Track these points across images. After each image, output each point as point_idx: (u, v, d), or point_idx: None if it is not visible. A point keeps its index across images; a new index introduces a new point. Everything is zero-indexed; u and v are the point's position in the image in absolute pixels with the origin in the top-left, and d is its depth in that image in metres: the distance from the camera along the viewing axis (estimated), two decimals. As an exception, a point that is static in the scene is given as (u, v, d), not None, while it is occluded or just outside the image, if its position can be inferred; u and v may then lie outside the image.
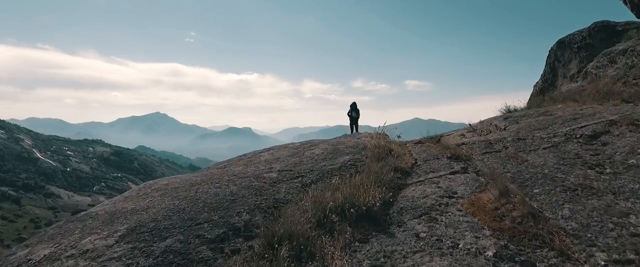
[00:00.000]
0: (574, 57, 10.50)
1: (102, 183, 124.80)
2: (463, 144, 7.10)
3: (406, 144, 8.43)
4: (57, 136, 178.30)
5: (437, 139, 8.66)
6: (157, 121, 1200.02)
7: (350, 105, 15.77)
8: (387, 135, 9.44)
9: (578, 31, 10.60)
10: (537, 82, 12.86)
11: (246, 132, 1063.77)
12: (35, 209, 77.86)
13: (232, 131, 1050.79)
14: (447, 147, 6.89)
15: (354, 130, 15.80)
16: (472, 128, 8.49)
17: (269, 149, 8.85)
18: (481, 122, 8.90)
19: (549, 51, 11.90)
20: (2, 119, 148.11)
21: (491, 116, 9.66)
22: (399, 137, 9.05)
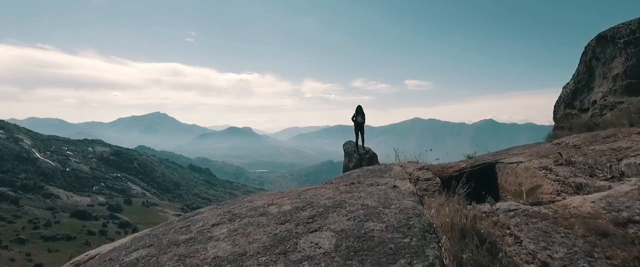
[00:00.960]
0: (618, 54, 9.44)
1: (102, 183, 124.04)
2: (630, 222, 3.13)
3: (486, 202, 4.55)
4: (57, 136, 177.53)
5: (488, 164, 6.14)
6: (157, 121, 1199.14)
7: (356, 109, 14.41)
8: (428, 170, 6.08)
9: (623, 24, 9.54)
10: (567, 84, 11.78)
11: (246, 131, 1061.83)
12: (34, 209, 77.00)
13: (232, 131, 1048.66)
14: (601, 232, 3.18)
15: (360, 140, 14.67)
16: (563, 159, 5.13)
17: (234, 213, 4.37)
18: (574, 147, 5.71)
19: (585, 48, 10.84)
20: (2, 119, 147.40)
21: (569, 136, 6.32)
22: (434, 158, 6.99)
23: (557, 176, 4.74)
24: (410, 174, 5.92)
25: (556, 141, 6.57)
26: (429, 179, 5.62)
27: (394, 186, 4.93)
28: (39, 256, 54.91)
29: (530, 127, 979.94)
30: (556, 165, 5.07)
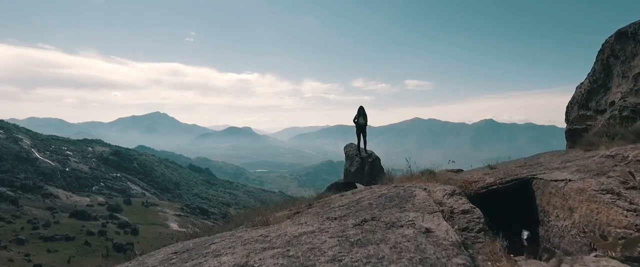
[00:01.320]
0: (639, 51, 9.07)
1: (101, 183, 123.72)
2: None
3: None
4: (57, 136, 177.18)
5: (522, 180, 4.91)
6: (157, 121, 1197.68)
7: (358, 110, 13.66)
8: (461, 196, 4.64)
9: (646, 18, 9.12)
10: (581, 84, 11.31)
11: (246, 131, 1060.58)
12: (33, 209, 76.64)
13: (232, 131, 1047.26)
14: None
15: (362, 143, 13.78)
16: (637, 181, 3.97)
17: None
18: None
19: (603, 45, 10.36)
20: (1, 118, 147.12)
21: (624, 146, 4.92)
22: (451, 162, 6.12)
23: (631, 204, 3.55)
24: (440, 204, 4.57)
25: (607, 152, 5.09)
26: (467, 212, 4.26)
27: (427, 230, 3.47)
28: (38, 257, 54.56)
29: (530, 127, 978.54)
30: (627, 188, 3.78)
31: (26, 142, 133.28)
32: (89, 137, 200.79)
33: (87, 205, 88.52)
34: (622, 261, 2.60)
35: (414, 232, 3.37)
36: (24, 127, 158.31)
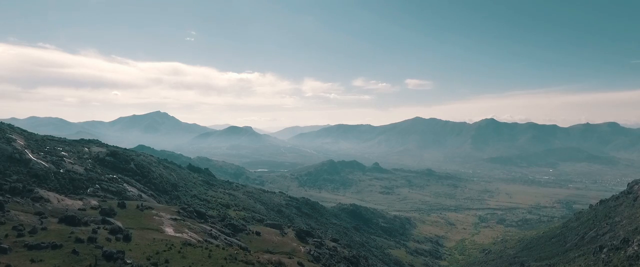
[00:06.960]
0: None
1: (96, 185, 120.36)
2: None
3: None
4: (52, 136, 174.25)
5: None
6: (158, 120, 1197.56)
7: None
8: None
9: None
10: None
11: (247, 131, 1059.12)
12: (20, 214, 73.22)
13: (232, 130, 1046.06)
14: None
15: None
16: None
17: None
18: None
19: None
20: (3, 118, 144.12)
21: None
22: None
23: None
24: None
25: None
26: None
27: None
28: (20, 267, 51.18)
29: (531, 126, 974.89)
30: None
31: (20, 142, 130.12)
32: (90, 137, 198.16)
33: (79, 209, 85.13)
34: None
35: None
36: (19, 127, 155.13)
